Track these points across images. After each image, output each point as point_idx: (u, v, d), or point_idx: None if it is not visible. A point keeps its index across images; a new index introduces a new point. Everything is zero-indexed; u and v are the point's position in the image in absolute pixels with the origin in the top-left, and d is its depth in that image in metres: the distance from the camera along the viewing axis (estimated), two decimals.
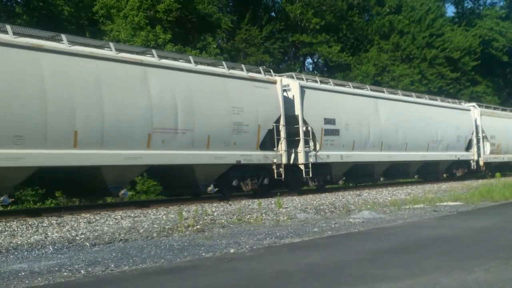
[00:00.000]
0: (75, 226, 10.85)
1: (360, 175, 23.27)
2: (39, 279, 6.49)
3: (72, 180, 14.41)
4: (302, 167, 19.03)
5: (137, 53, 15.39)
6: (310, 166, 19.10)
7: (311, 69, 44.87)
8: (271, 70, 19.58)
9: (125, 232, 10.15)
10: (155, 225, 10.95)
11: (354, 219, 12.10)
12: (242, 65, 18.34)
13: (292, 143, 18.81)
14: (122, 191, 14.43)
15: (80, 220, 11.67)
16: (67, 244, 8.97)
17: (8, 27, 12.58)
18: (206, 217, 12.09)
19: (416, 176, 27.37)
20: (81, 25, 27.55)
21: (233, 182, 17.26)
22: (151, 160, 14.69)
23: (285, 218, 12.25)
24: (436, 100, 28.89)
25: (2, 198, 12.18)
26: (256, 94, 17.83)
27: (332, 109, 20.67)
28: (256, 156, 17.56)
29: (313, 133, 19.61)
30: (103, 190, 14.48)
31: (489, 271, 6.15)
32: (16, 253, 8.25)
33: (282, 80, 18.94)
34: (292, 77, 19.77)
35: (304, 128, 19.22)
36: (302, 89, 19.47)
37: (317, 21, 37.48)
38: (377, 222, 11.48)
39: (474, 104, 32.01)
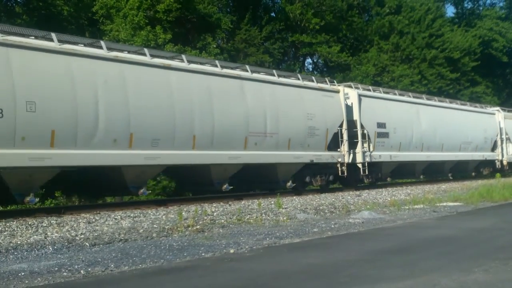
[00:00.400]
0: (74, 226, 10.85)
1: (403, 173, 26.24)
2: (39, 279, 6.49)
3: (186, 177, 17.52)
4: (360, 165, 21.74)
5: (233, 68, 18.34)
6: (366, 165, 21.83)
7: (310, 69, 44.90)
8: (335, 81, 23.12)
9: (125, 232, 10.15)
10: (154, 225, 10.96)
11: (354, 219, 12.10)
12: (313, 77, 21.89)
13: (350, 145, 21.49)
14: (225, 186, 17.27)
15: (80, 220, 11.67)
16: (66, 244, 8.97)
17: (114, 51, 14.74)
18: (205, 217, 12.09)
19: (450, 175, 30.01)
20: (81, 25, 27.55)
21: (306, 178, 20.17)
22: (247, 159, 17.48)
23: (284, 218, 12.25)
24: (466, 105, 32.09)
25: (141, 190, 15.04)
26: (324, 102, 20.73)
27: (383, 114, 23.46)
28: (325, 156, 20.44)
29: (368, 135, 22.29)
30: (209, 185, 17.35)
31: (489, 271, 6.16)
32: (15, 253, 8.25)
33: (344, 89, 21.87)
34: (351, 87, 22.68)
35: (361, 131, 21.88)
36: (359, 97, 22.27)
37: (317, 21, 37.49)
38: (376, 223, 11.49)
39: (498, 108, 34.86)
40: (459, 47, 44.53)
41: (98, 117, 13.55)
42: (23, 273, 6.81)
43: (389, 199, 17.19)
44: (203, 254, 7.94)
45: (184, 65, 16.20)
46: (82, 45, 14.08)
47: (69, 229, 10.48)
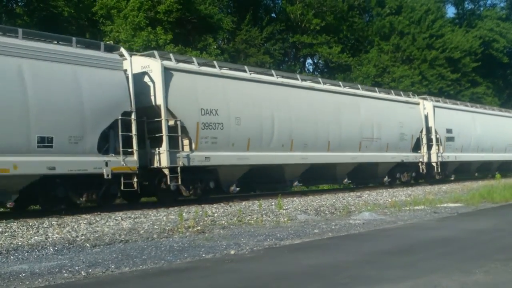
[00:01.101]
0: (75, 227, 10.85)
1: (461, 172, 30.29)
2: (40, 280, 6.49)
3: (321, 172, 21.63)
4: (434, 164, 26.80)
5: (350, 86, 23.58)
6: (439, 164, 26.76)
7: (311, 70, 44.92)
8: (416, 94, 28.62)
9: (126, 233, 10.16)
10: (155, 226, 10.96)
11: (355, 220, 12.10)
12: (401, 92, 27.21)
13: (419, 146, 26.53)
14: (345, 180, 22.46)
15: (81, 221, 11.67)
16: (67, 245, 8.97)
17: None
18: (206, 218, 12.10)
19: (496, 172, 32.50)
20: (81, 26, 27.56)
21: (397, 174, 25.27)
22: (361, 159, 22.55)
23: (285, 219, 12.26)
24: (502, 111, 36.30)
25: (295, 183, 20.20)
26: (410, 113, 25.91)
27: (450, 121, 28.34)
28: (411, 156, 25.60)
29: (440, 139, 27.10)
30: (334, 179, 22.89)
31: (489, 272, 6.16)
32: (16, 254, 8.25)
33: (423, 102, 27.06)
34: (426, 99, 27.70)
35: (435, 136, 26.89)
36: (434, 107, 27.26)
37: (318, 22, 37.51)
38: (377, 224, 11.49)
39: None
40: (459, 47, 44.52)
41: (274, 129, 18.68)
42: (23, 274, 6.82)
43: (389, 200, 17.19)
44: (203, 255, 7.94)
45: (321, 86, 21.54)
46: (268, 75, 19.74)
47: (70, 230, 10.49)
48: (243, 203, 16.15)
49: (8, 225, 11.05)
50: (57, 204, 13.81)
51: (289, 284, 5.99)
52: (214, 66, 17.44)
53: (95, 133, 13.83)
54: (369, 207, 14.70)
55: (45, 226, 11.01)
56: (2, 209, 14.65)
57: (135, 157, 14.56)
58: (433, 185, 25.51)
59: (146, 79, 15.48)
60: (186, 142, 15.93)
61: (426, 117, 26.72)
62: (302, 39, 37.93)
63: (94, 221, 11.81)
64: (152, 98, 15.39)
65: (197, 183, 16.36)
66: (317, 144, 20.34)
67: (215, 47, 29.59)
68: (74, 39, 14.23)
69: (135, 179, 14.51)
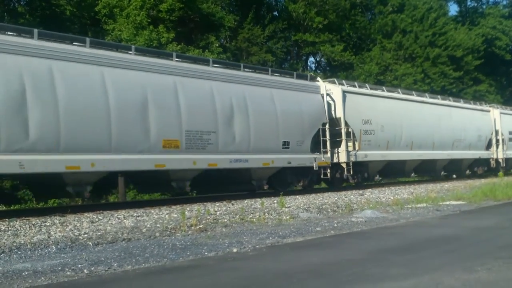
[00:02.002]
0: (78, 226, 10.87)
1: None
2: (42, 278, 6.50)
3: (425, 167, 27.01)
4: (500, 160, 32.49)
5: (442, 99, 29.49)
6: (504, 159, 32.71)
7: (313, 68, 44.89)
8: (484, 103, 34.25)
9: (128, 231, 10.17)
10: (157, 225, 10.97)
11: (357, 218, 12.09)
12: (478, 102, 33.15)
13: (490, 146, 32.26)
14: (442, 172, 28.28)
15: (83, 220, 11.69)
16: (70, 243, 8.98)
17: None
18: (208, 217, 12.10)
19: None
20: (83, 24, 27.57)
21: (474, 168, 31.09)
22: (453, 156, 28.34)
23: (287, 217, 12.26)
24: None
25: (412, 174, 26.66)
26: (484, 118, 31.96)
27: (508, 125, 33.94)
28: (485, 154, 31.52)
29: (503, 140, 32.88)
30: (434, 172, 28.40)
31: (492, 270, 6.15)
32: (19, 253, 8.26)
33: (493, 109, 32.81)
34: (494, 107, 33.36)
35: (499, 137, 32.73)
36: (500, 114, 33.27)
37: (320, 20, 37.49)
38: (379, 222, 11.48)
39: None
40: (462, 45, 44.44)
41: (402, 134, 24.62)
42: (26, 273, 6.83)
43: (392, 198, 17.18)
44: (206, 253, 7.94)
45: (428, 99, 27.71)
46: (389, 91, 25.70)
47: (72, 229, 10.50)
48: (245, 201, 16.16)
49: (11, 223, 11.08)
50: (286, 186, 19.95)
51: (291, 282, 5.99)
52: (366, 88, 24.13)
53: (309, 138, 20.11)
54: (371, 205, 14.69)
55: (48, 224, 11.03)
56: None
57: (329, 155, 20.90)
58: (436, 183, 25.56)
59: (328, 98, 21.50)
60: (350, 144, 21.82)
61: (494, 122, 32.81)
62: (304, 38, 37.93)
63: (96, 219, 11.82)
64: (333, 112, 21.60)
65: (357, 174, 22.25)
66: (427, 144, 26.33)
67: (217, 45, 29.58)
68: (294, 73, 21.44)
69: (329, 170, 20.86)
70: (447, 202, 15.54)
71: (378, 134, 23.06)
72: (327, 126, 20.61)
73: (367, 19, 44.99)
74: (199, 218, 11.74)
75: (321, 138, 20.34)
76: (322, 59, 44.65)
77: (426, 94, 28.75)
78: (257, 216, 12.34)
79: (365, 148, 22.26)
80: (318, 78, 22.49)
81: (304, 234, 9.69)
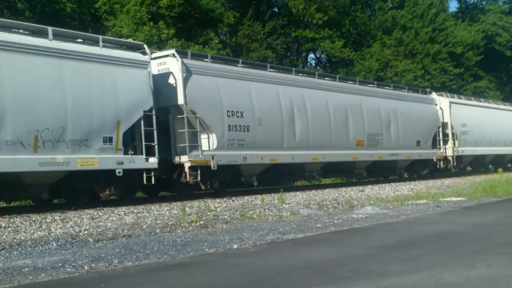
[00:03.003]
0: (78, 222, 10.87)
1: None
2: (43, 274, 6.51)
3: (474, 162, 31.51)
4: None
5: (495, 103, 35.32)
6: None
7: (313, 64, 44.84)
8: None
9: (128, 228, 10.17)
10: (158, 221, 10.97)
11: (357, 214, 12.10)
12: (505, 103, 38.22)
13: None
14: (490, 166, 32.68)
15: (84, 216, 11.69)
16: (70, 240, 8.99)
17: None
18: (209, 213, 12.11)
19: None
20: (84, 21, 27.53)
21: (507, 164, 34.76)
22: (502, 152, 33.10)
23: (288, 213, 12.26)
24: None
25: (490, 166, 32.13)
26: None
27: None
28: None
29: None
30: (500, 164, 31.48)
31: (492, 266, 6.16)
32: (19, 249, 8.27)
33: None
34: None
35: None
36: None
37: (320, 16, 37.40)
38: (380, 218, 11.48)
39: None
40: (462, 41, 44.36)
41: (485, 133, 31.06)
42: (27, 269, 6.83)
43: (392, 194, 17.18)
44: (206, 249, 7.95)
45: (499, 106, 34.90)
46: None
47: (73, 225, 10.51)
48: (246, 197, 16.16)
49: (11, 220, 11.08)
50: (414, 173, 27.03)
51: (291, 278, 5.99)
52: (462, 98, 31.40)
53: (430, 138, 27.17)
54: (371, 201, 14.70)
55: (48, 221, 11.03)
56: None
57: (442, 150, 27.76)
58: (436, 179, 25.55)
59: (438, 108, 28.40)
60: (454, 142, 28.48)
61: None
62: (304, 34, 37.84)
63: (97, 216, 11.83)
64: (441, 118, 28.23)
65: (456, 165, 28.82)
66: (498, 142, 32.47)
67: (216, 41, 29.55)
68: (420, 90, 29.27)
69: (441, 162, 27.64)
70: (447, 198, 15.55)
71: (471, 134, 29.82)
72: (440, 128, 27.90)
73: (367, 15, 44.89)
74: (199, 214, 11.75)
75: (437, 138, 27.67)
76: (322, 56, 44.59)
77: (499, 102, 36.73)
78: (258, 213, 12.35)
79: (462, 145, 29.12)
80: (432, 92, 29.93)
81: (305, 231, 9.70)
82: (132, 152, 14.78)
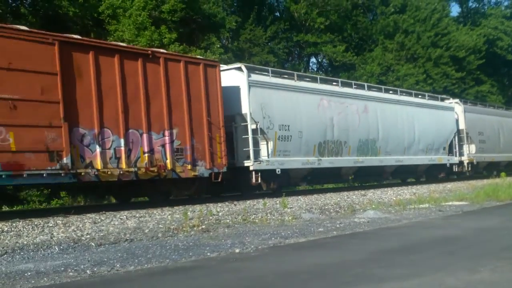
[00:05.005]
0: (80, 226, 10.88)
1: None
2: (45, 279, 6.51)
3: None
4: None
5: None
6: None
7: (315, 69, 44.86)
8: None
9: (131, 232, 10.17)
10: (160, 225, 10.97)
11: (359, 219, 12.08)
12: None
13: None
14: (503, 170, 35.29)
15: (86, 220, 11.70)
16: (72, 244, 9.00)
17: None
18: (211, 217, 12.11)
19: None
20: (86, 25, 27.57)
21: None
22: None
23: (290, 218, 12.25)
24: None
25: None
26: None
27: None
28: None
29: None
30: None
31: (495, 271, 6.14)
32: (22, 253, 8.28)
33: None
34: None
35: None
36: None
37: (322, 21, 37.47)
38: (382, 222, 11.47)
39: None
40: (464, 46, 44.40)
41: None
42: (29, 273, 6.83)
43: (394, 198, 17.17)
44: (208, 254, 7.95)
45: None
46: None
47: (75, 229, 10.51)
48: (248, 202, 16.16)
49: (14, 224, 11.09)
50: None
51: (294, 282, 5.99)
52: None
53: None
54: (373, 206, 14.68)
55: (50, 225, 11.04)
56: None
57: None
58: (438, 183, 25.54)
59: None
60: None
61: None
62: (306, 38, 37.90)
63: (99, 220, 11.83)
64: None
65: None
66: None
67: (218, 46, 29.59)
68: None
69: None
70: (450, 203, 15.53)
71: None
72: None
73: (369, 19, 44.97)
74: (201, 218, 11.75)
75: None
76: (324, 60, 44.64)
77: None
78: (260, 217, 12.34)
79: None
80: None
81: (307, 235, 9.68)
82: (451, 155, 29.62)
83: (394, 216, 12.64)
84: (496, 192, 17.01)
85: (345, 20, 41.44)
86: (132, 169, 14.65)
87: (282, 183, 19.87)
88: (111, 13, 26.84)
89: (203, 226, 10.78)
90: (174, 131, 15.79)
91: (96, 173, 13.82)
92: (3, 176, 12.23)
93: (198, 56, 19.59)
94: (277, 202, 15.50)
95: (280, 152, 19.26)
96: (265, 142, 18.67)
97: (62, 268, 7.08)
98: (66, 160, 13.20)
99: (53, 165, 13.01)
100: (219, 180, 16.90)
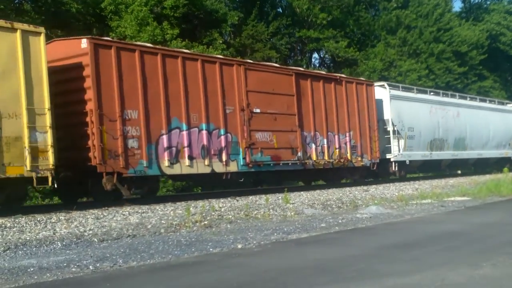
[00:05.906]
0: (83, 222, 10.90)
1: None
2: (48, 274, 6.53)
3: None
4: None
5: None
6: None
7: (317, 65, 44.82)
8: None
9: (133, 228, 10.20)
10: (162, 221, 10.99)
11: (362, 214, 12.09)
12: None
13: None
14: None
15: (88, 216, 11.72)
16: (75, 240, 9.02)
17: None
18: (213, 213, 12.12)
19: None
20: (88, 21, 27.56)
21: None
22: None
23: (292, 213, 12.27)
24: None
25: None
26: None
27: None
28: None
29: None
30: None
31: (497, 266, 6.15)
32: (25, 249, 8.30)
33: None
34: None
35: None
36: None
37: (324, 16, 37.36)
38: (384, 218, 11.48)
39: None
40: (467, 41, 44.29)
41: None
42: (32, 269, 6.86)
43: (396, 194, 17.17)
44: (211, 249, 7.96)
45: None
46: None
47: (78, 225, 10.54)
48: (250, 197, 16.18)
49: (16, 220, 11.12)
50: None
51: (296, 278, 6.00)
52: None
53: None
54: (376, 201, 14.69)
55: (53, 221, 11.06)
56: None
57: None
58: (441, 179, 25.59)
59: None
60: None
61: None
62: (308, 34, 37.80)
63: (101, 216, 11.86)
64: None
65: None
66: None
67: (220, 42, 29.56)
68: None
69: None
70: (452, 198, 15.53)
71: None
72: None
73: (371, 15, 44.86)
74: (204, 214, 11.77)
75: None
76: (326, 56, 44.57)
77: None
78: (262, 212, 12.36)
79: None
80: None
81: (309, 230, 9.70)
82: None
83: (396, 211, 12.65)
84: (498, 188, 17.02)
85: (347, 16, 41.34)
86: (331, 160, 21.00)
87: (408, 171, 26.95)
88: (113, 9, 26.81)
89: (206, 222, 10.80)
90: (351, 133, 22.09)
91: (313, 163, 20.19)
92: (271, 164, 18.54)
93: (362, 78, 26.70)
94: (279, 197, 15.51)
95: (408, 148, 25.67)
96: (397, 140, 24.91)
97: (65, 264, 7.10)
98: (300, 154, 19.58)
99: (294, 158, 19.41)
100: (375, 168, 23.31)
